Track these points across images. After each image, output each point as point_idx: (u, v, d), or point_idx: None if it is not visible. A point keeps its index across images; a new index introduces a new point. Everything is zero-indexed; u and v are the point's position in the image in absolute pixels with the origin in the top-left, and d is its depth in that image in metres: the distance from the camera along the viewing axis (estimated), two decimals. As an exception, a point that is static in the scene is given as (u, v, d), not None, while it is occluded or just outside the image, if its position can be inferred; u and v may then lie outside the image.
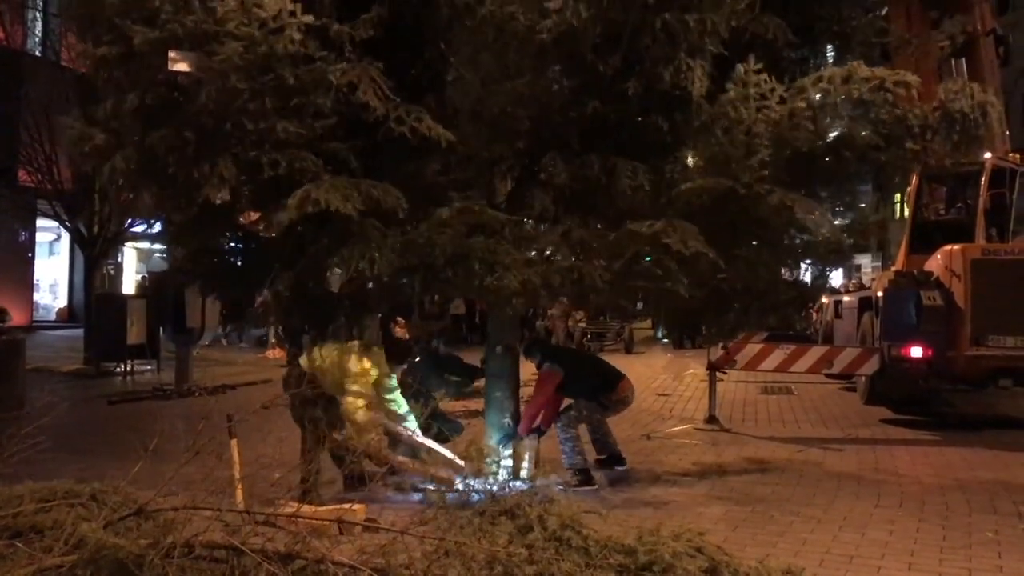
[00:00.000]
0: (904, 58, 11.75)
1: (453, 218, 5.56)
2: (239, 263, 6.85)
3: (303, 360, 6.43)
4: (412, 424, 6.46)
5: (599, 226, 6.18)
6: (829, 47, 7.26)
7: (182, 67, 5.18)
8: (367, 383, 6.26)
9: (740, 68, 5.66)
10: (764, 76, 5.67)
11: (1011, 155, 11.90)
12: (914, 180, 11.61)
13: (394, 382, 6.48)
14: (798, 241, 6.64)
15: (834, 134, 6.11)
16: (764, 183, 5.76)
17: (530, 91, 5.82)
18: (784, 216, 5.93)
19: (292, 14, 5.08)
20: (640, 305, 7.25)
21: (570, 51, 5.63)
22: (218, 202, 6.07)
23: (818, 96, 5.82)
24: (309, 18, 5.11)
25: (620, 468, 7.44)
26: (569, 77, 5.96)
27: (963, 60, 12.33)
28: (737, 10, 5.58)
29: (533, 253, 6.06)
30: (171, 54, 5.13)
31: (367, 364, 6.27)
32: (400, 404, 6.45)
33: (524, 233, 6.01)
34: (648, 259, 5.68)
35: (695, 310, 6.47)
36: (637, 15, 5.38)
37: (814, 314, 14.83)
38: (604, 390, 7.30)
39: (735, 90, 5.70)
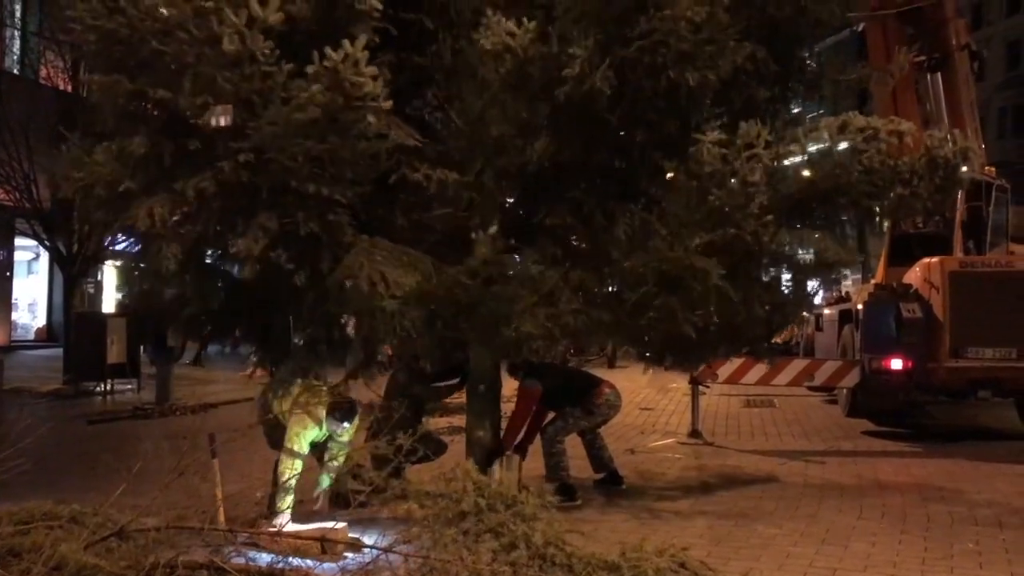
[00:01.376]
0: (884, 93, 11.95)
1: (482, 267, 5.58)
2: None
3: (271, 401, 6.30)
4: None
5: (599, 268, 6.19)
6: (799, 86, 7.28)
7: (223, 122, 4.97)
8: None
9: (742, 126, 5.62)
10: (756, 126, 5.62)
11: (987, 168, 12.04)
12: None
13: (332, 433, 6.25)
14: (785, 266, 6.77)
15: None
16: (768, 228, 5.87)
17: (538, 144, 5.83)
18: (784, 256, 6.21)
19: (374, 99, 4.72)
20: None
21: (584, 109, 5.61)
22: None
23: (813, 146, 5.97)
24: (389, 104, 4.76)
25: (616, 487, 7.40)
26: (579, 131, 5.91)
27: (939, 75, 12.49)
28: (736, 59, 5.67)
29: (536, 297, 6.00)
30: (217, 108, 4.93)
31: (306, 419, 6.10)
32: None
33: (527, 276, 5.98)
34: (655, 301, 5.74)
35: (690, 345, 6.46)
36: (651, 78, 5.44)
37: (795, 327, 14.91)
38: (585, 395, 7.29)
39: (730, 146, 5.65)
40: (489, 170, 5.90)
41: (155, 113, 5.31)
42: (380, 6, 5.06)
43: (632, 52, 5.31)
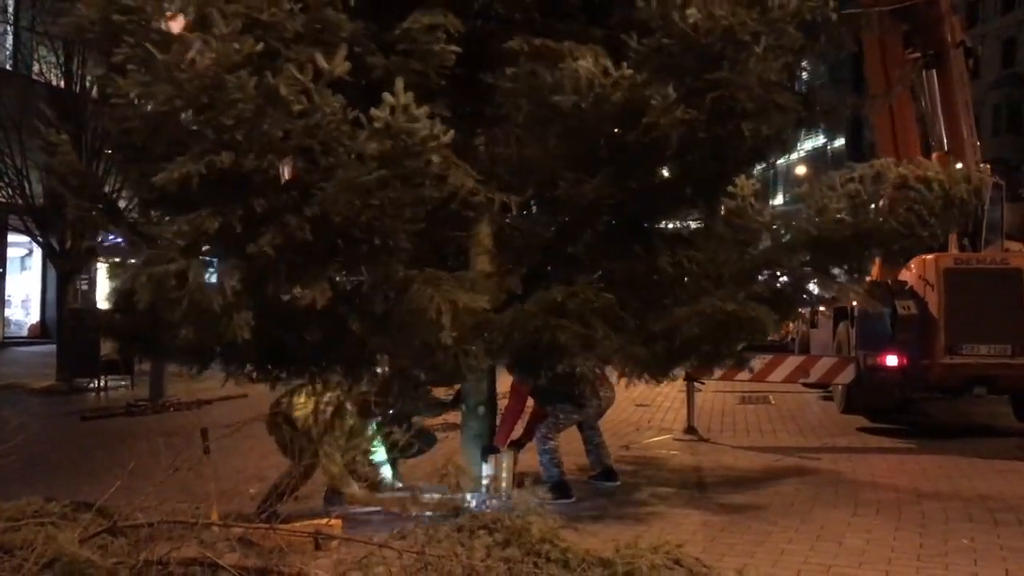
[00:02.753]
0: (882, 114, 11.98)
1: (568, 299, 5.57)
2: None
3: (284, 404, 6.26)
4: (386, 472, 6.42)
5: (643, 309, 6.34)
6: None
7: (286, 176, 4.89)
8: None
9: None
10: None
11: (982, 165, 12.03)
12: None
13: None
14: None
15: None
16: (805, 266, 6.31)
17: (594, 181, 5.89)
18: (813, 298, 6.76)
19: (434, 139, 4.60)
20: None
21: (646, 152, 5.69)
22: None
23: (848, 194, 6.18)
24: (450, 136, 4.63)
25: (610, 484, 7.38)
26: (635, 172, 6.02)
27: (934, 73, 12.49)
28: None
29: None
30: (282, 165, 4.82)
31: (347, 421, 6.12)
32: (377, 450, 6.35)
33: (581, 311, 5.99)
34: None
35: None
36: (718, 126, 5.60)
37: (790, 324, 14.91)
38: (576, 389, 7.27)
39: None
40: (540, 206, 6.04)
41: (220, 180, 4.91)
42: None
43: (707, 103, 5.42)
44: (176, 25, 4.60)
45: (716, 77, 5.31)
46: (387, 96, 4.37)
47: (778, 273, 6.45)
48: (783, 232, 6.24)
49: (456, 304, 5.04)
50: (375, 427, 6.28)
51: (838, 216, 6.00)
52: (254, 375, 6.10)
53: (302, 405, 6.15)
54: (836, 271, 6.58)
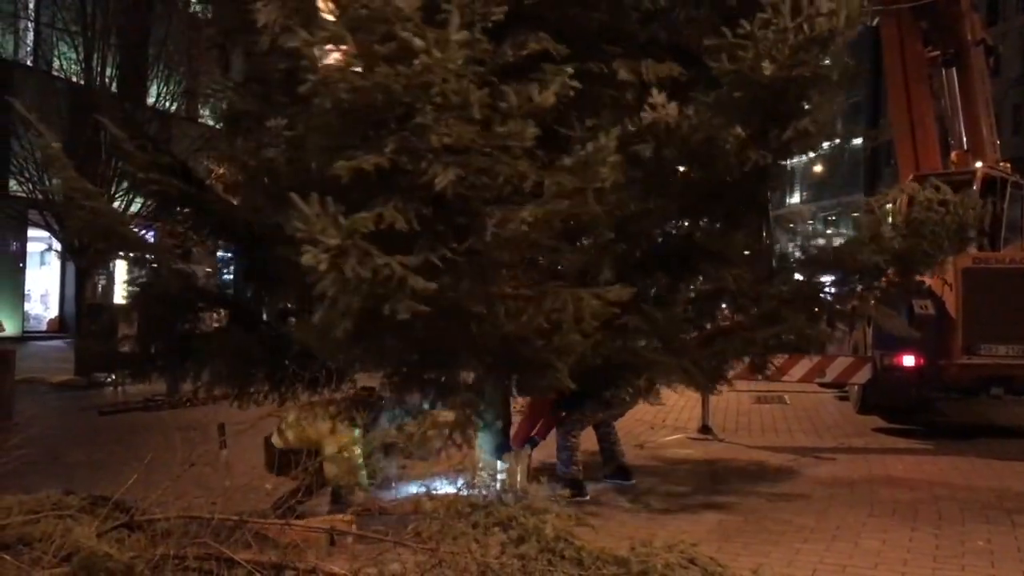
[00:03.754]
0: (901, 112, 11.92)
1: (645, 321, 5.74)
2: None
3: (276, 439, 6.20)
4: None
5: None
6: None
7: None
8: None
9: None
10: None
11: (1002, 164, 11.96)
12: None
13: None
14: None
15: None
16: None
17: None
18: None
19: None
20: None
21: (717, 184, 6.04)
22: None
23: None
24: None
25: (625, 483, 7.37)
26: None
27: (954, 71, 12.41)
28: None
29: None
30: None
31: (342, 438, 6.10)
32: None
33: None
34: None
35: None
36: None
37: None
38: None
39: None
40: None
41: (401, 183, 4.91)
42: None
43: (777, 142, 5.75)
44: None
45: (788, 120, 5.67)
46: (599, 139, 4.62)
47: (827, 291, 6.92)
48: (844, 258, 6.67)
49: (586, 303, 5.18)
50: (358, 433, 6.20)
51: (890, 240, 6.39)
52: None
53: (294, 424, 6.13)
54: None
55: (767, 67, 5.22)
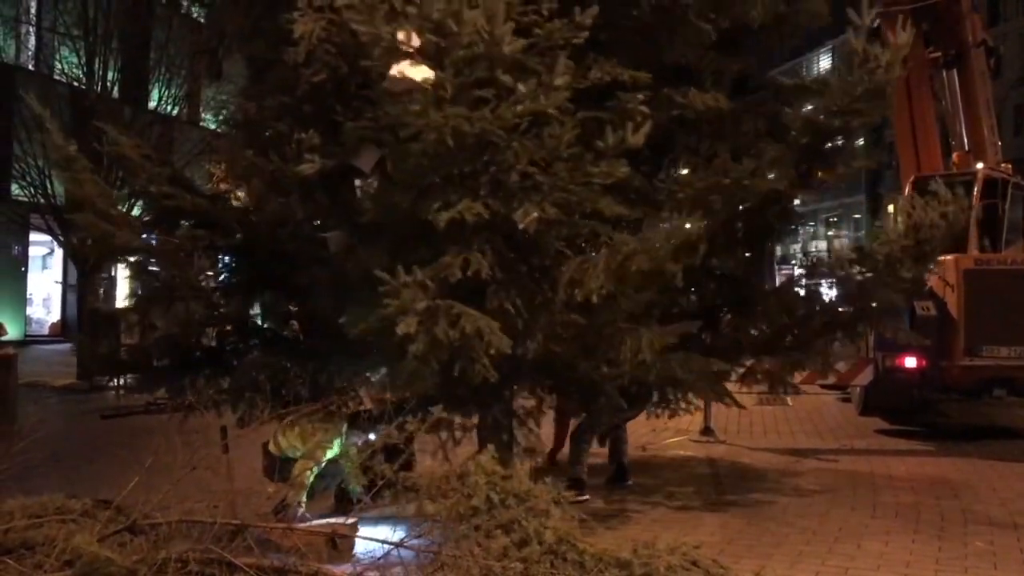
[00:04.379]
0: (902, 114, 11.90)
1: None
2: None
3: (272, 447, 6.21)
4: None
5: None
6: None
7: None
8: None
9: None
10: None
11: (1003, 165, 11.94)
12: (907, 191, 11.65)
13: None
14: None
15: None
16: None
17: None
18: None
19: None
20: None
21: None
22: None
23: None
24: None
25: (623, 484, 7.38)
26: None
27: (955, 72, 12.39)
28: None
29: None
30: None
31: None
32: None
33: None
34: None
35: None
36: None
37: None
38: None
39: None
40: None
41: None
42: None
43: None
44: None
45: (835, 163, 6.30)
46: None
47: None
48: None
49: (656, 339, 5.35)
50: (342, 441, 6.17)
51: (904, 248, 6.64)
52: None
53: (294, 436, 6.11)
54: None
55: (831, 115, 5.69)
